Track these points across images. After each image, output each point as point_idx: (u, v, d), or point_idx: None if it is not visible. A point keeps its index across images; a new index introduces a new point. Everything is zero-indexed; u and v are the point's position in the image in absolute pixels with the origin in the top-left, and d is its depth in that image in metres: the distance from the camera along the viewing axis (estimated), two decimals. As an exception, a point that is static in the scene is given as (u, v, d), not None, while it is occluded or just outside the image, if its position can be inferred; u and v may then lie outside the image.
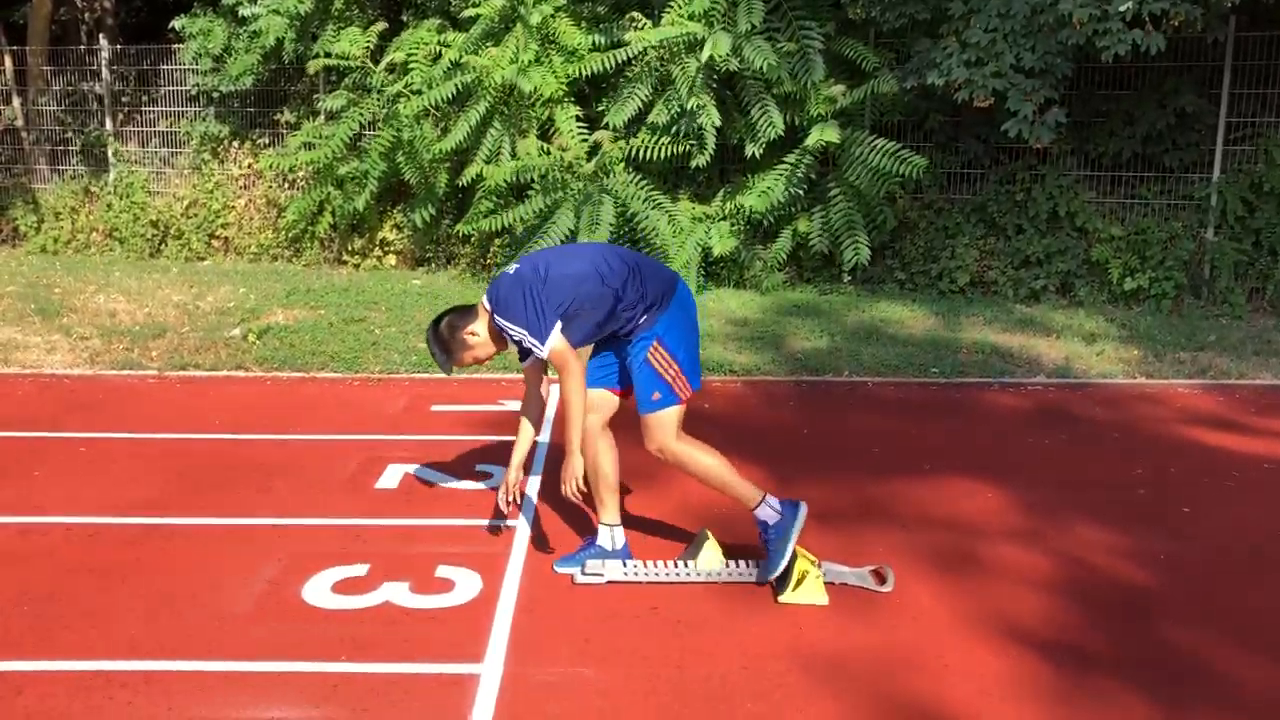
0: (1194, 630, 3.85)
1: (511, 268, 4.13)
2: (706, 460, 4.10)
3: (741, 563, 4.23)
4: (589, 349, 4.26)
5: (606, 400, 4.25)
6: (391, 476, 5.35)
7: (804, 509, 4.09)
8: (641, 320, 4.06)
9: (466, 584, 4.16)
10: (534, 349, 3.98)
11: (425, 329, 4.22)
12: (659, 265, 4.26)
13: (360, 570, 4.27)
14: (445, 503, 5.03)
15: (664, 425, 4.05)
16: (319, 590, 4.10)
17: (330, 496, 5.10)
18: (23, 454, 5.67)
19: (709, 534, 4.26)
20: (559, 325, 3.98)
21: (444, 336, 4.14)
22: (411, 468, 5.46)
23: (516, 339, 4.01)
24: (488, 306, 4.10)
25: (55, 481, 5.28)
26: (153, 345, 7.85)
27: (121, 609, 3.94)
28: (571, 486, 4.01)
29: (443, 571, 4.27)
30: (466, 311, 4.19)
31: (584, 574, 4.18)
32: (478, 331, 4.12)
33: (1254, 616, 3.96)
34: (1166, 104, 9.30)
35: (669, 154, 9.37)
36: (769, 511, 4.09)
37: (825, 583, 4.07)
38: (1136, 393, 7.01)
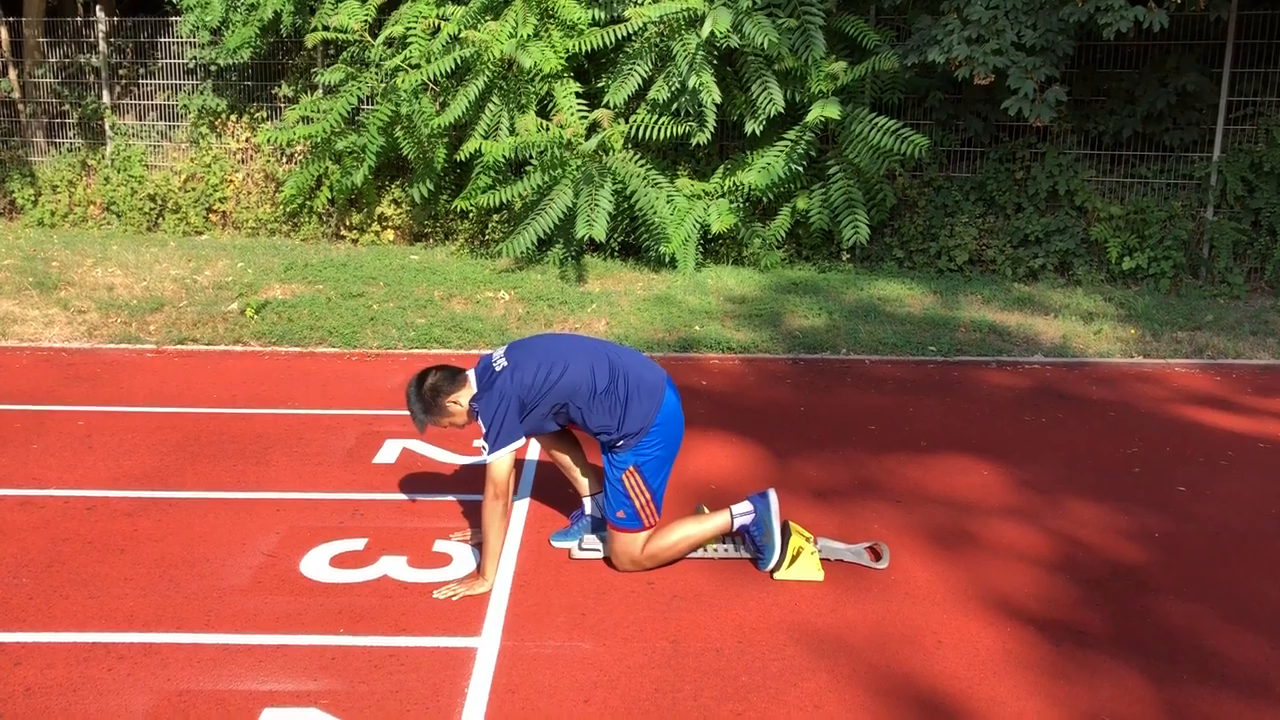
0: (1187, 607, 3.87)
1: (500, 363, 3.98)
2: (673, 539, 4.08)
3: (737, 540, 4.26)
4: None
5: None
6: (389, 451, 5.36)
7: (773, 495, 4.10)
8: (619, 443, 4.00)
9: (464, 558, 4.18)
10: (481, 447, 3.91)
11: (408, 383, 4.07)
12: (651, 386, 4.03)
13: (358, 544, 4.29)
14: (442, 478, 5.05)
15: (628, 545, 4.03)
16: (317, 564, 4.12)
17: (328, 471, 5.11)
18: (21, 426, 5.68)
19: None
20: (517, 444, 3.91)
21: (426, 398, 4.00)
22: (409, 443, 5.47)
23: (480, 427, 3.94)
24: (473, 383, 4.02)
25: (53, 454, 5.29)
26: (150, 319, 7.85)
27: (120, 581, 3.96)
28: (459, 594, 3.88)
29: (440, 546, 4.29)
30: (455, 377, 4.03)
31: (581, 549, 4.20)
32: (461, 402, 3.99)
33: (1246, 594, 3.98)
34: (1168, 82, 9.26)
35: (669, 134, 9.34)
36: (744, 518, 4.13)
37: (821, 559, 4.09)
38: (1133, 372, 7.02)
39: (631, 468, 3.98)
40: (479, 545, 4.24)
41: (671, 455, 4.10)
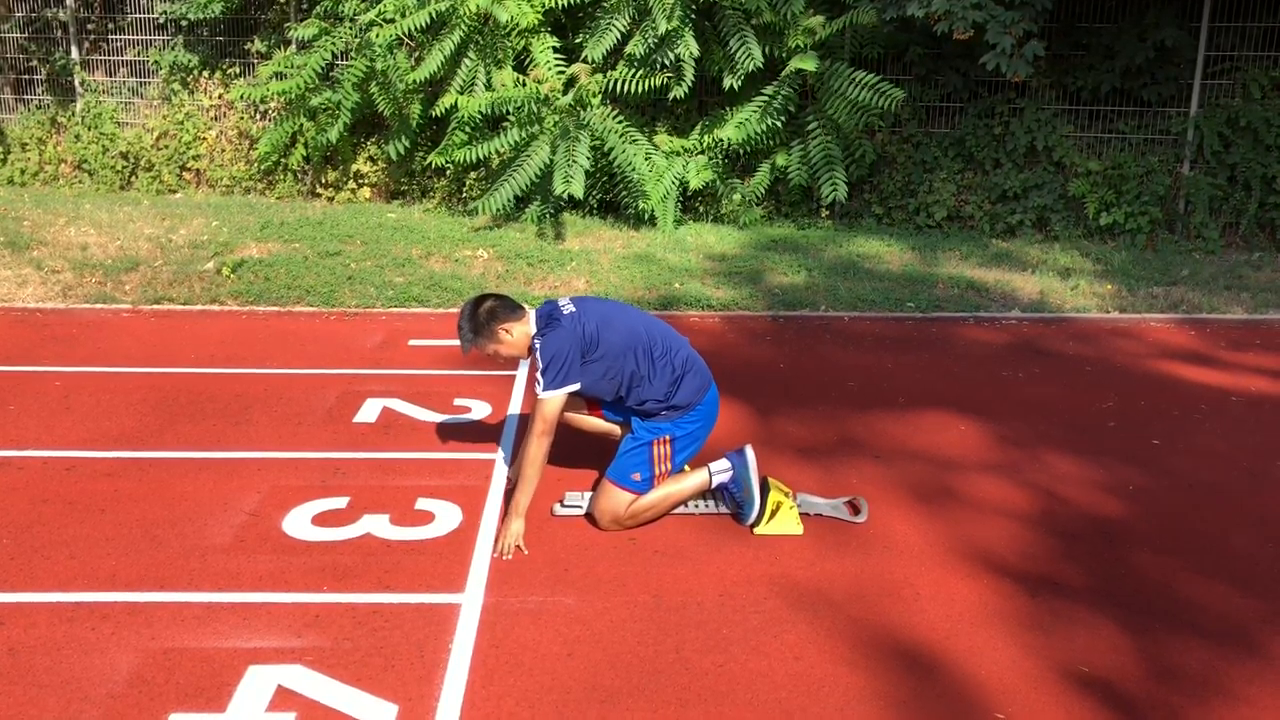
0: (1161, 558, 3.93)
1: (569, 308, 4.05)
2: (654, 498, 4.11)
3: (717, 497, 4.29)
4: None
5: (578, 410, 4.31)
6: (370, 410, 5.36)
7: (749, 451, 4.16)
8: (662, 413, 4.09)
9: (446, 516, 4.19)
10: (536, 381, 3.95)
11: (464, 304, 4.10)
12: (702, 368, 4.22)
13: (340, 503, 4.30)
14: (423, 436, 5.05)
15: (621, 501, 4.06)
16: (299, 522, 4.12)
17: (309, 430, 5.10)
18: (-3, 388, 5.64)
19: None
20: (573, 386, 3.95)
21: (480, 320, 4.01)
22: (389, 402, 5.46)
23: (539, 363, 3.97)
24: (532, 321, 4.05)
25: (31, 415, 5.25)
26: (126, 279, 7.78)
27: (102, 541, 3.96)
28: (509, 545, 3.89)
29: (423, 504, 4.30)
30: (515, 308, 4.06)
31: (562, 506, 4.23)
32: (513, 332, 4.02)
33: (1219, 545, 4.05)
34: (1146, 37, 9.26)
35: (647, 88, 9.27)
36: (722, 476, 4.18)
37: (800, 514, 4.13)
38: (1109, 327, 7.08)
39: (667, 437, 4.08)
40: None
41: (704, 437, 4.21)
